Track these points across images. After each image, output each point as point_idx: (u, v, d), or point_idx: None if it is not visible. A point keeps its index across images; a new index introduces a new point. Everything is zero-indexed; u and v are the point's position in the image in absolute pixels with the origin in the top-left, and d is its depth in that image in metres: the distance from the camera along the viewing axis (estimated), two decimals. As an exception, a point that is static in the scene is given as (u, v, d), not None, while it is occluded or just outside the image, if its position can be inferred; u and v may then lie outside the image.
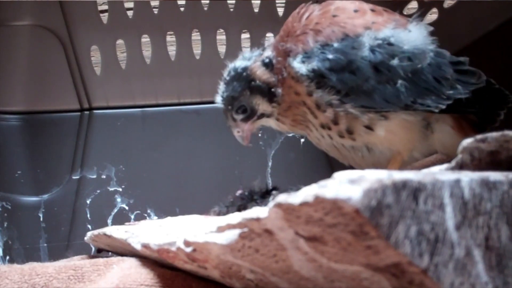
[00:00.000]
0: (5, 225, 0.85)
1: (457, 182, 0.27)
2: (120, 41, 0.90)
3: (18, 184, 0.88)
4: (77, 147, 0.92)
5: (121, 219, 0.88)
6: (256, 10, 0.91)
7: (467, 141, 0.33)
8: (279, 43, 0.61)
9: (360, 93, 0.56)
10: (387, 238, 0.24)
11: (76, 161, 0.91)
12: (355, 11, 0.59)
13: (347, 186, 0.24)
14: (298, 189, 0.27)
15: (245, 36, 0.93)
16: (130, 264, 0.48)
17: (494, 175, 0.29)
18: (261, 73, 0.61)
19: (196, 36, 0.92)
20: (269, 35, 0.91)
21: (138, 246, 0.48)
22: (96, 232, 0.61)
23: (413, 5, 0.85)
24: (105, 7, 0.91)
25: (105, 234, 0.57)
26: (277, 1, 0.92)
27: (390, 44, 0.55)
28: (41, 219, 0.87)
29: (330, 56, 0.56)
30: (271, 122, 0.65)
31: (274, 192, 0.68)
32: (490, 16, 0.71)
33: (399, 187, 0.25)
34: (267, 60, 0.61)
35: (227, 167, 0.94)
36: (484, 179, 0.28)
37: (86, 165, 0.91)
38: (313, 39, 0.57)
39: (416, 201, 0.25)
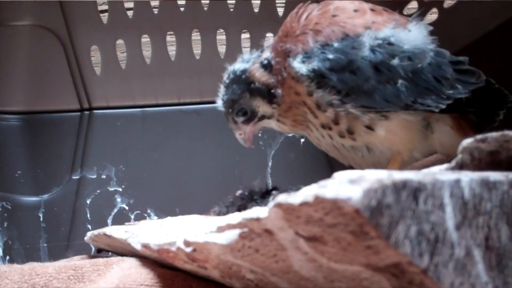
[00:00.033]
0: (5, 225, 0.85)
1: (457, 182, 0.27)
2: (120, 41, 0.90)
3: (18, 184, 0.88)
4: (77, 147, 0.92)
5: (121, 219, 0.88)
6: (256, 10, 0.91)
7: (467, 141, 0.33)
8: (278, 44, 0.61)
9: (360, 93, 0.56)
10: (387, 238, 0.24)
11: (76, 161, 0.91)
12: (355, 10, 0.58)
13: (347, 186, 0.24)
14: (298, 189, 0.27)
15: (245, 36, 0.93)
16: (130, 264, 0.48)
17: (494, 175, 0.29)
18: (260, 75, 0.61)
19: (196, 36, 0.92)
20: (269, 35, 0.91)
21: (138, 246, 0.48)
22: (96, 232, 0.61)
23: (413, 5, 0.85)
24: (105, 7, 0.91)
25: (105, 234, 0.57)
26: (277, 1, 0.92)
27: (390, 43, 0.55)
28: (41, 219, 0.87)
29: (331, 56, 0.56)
30: (272, 124, 0.65)
31: (274, 192, 0.68)
32: (490, 16, 0.71)
33: (399, 187, 0.25)
34: (265, 62, 0.61)
35: (227, 167, 0.94)
36: (484, 179, 0.28)
37: (86, 165, 0.91)
38: (313, 39, 0.57)
39: (416, 201, 0.25)
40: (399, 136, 0.58)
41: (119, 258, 0.52)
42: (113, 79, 0.92)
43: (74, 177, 0.90)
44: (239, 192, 0.69)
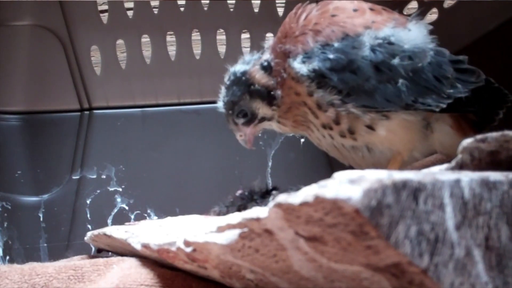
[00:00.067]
0: (5, 225, 0.85)
1: (457, 182, 0.27)
2: (120, 41, 0.90)
3: (18, 184, 0.88)
4: (77, 147, 0.92)
5: (121, 219, 0.88)
6: (256, 10, 0.91)
7: (467, 141, 0.33)
8: (277, 45, 0.61)
9: (361, 92, 0.55)
10: (387, 238, 0.24)
11: (76, 161, 0.91)
12: (355, 10, 0.58)
13: (347, 186, 0.24)
14: (298, 189, 0.27)
15: (245, 36, 0.93)
16: (130, 264, 0.48)
17: (494, 175, 0.29)
18: (260, 77, 0.62)
19: (196, 36, 0.92)
20: (269, 35, 0.91)
21: (138, 246, 0.48)
22: (96, 232, 0.61)
23: (413, 5, 0.85)
24: (105, 7, 0.91)
25: (105, 234, 0.57)
26: (277, 1, 0.92)
27: (390, 43, 0.55)
28: (41, 219, 0.87)
29: (331, 56, 0.55)
30: (273, 125, 0.65)
31: (274, 192, 0.68)
32: (490, 16, 0.71)
33: (399, 187, 0.25)
34: (265, 64, 0.62)
35: (227, 167, 0.94)
36: (484, 179, 0.28)
37: (86, 165, 0.91)
38: (313, 39, 0.57)
39: (416, 201, 0.25)
40: (399, 136, 0.58)
41: (119, 258, 0.52)
42: (113, 79, 0.92)
43: (74, 177, 0.90)
44: (239, 192, 0.69)
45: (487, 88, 0.58)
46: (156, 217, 0.90)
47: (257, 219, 0.30)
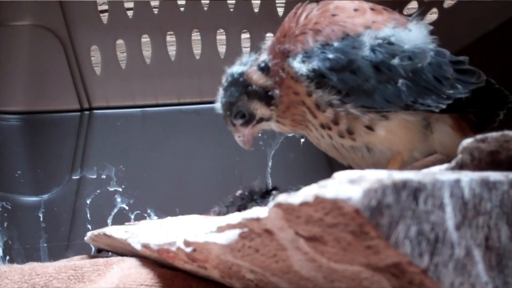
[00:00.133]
0: (5, 225, 0.85)
1: (457, 182, 0.27)
2: (120, 41, 0.90)
3: (18, 184, 0.88)
4: (77, 147, 0.92)
5: (121, 219, 0.88)
6: (256, 10, 0.91)
7: (467, 141, 0.32)
8: (275, 46, 0.61)
9: (360, 93, 0.55)
10: (387, 238, 0.24)
11: (76, 161, 0.91)
12: (355, 10, 0.58)
13: (347, 186, 0.24)
14: (298, 189, 0.27)
15: (245, 36, 0.93)
16: (130, 264, 0.48)
17: (494, 175, 0.29)
18: (258, 78, 0.62)
19: (196, 36, 0.92)
20: (269, 35, 0.91)
21: (138, 246, 0.48)
22: (96, 232, 0.61)
23: (413, 5, 0.85)
24: (105, 7, 0.91)
25: (105, 234, 0.57)
26: (277, 1, 0.92)
27: (390, 43, 0.55)
28: (41, 219, 0.87)
29: (331, 56, 0.55)
30: (272, 125, 0.65)
31: (274, 192, 0.68)
32: (490, 16, 0.71)
33: (399, 187, 0.25)
34: (262, 65, 0.62)
35: (227, 167, 0.94)
36: (484, 179, 0.28)
37: (86, 165, 0.91)
38: (313, 38, 0.57)
39: (416, 201, 0.25)
40: (399, 136, 0.58)
41: (119, 258, 0.52)
42: (113, 79, 0.92)
43: (74, 177, 0.90)
44: (239, 192, 0.69)
45: (488, 89, 0.57)
46: (156, 217, 0.90)
47: (257, 219, 0.30)
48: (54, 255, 0.79)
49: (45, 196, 0.89)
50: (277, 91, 0.61)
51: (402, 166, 0.60)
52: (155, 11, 0.89)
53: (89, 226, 0.88)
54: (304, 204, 0.26)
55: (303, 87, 0.58)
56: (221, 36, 0.92)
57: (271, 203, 0.28)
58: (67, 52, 0.89)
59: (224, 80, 0.64)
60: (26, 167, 0.89)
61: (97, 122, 0.93)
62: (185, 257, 0.40)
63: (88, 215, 0.89)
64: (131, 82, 0.92)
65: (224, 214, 0.65)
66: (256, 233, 0.31)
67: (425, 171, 0.32)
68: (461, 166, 0.33)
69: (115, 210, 0.90)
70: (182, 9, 0.90)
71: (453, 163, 0.33)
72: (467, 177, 0.28)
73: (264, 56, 0.63)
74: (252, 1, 0.91)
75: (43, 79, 0.90)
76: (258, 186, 0.69)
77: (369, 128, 0.57)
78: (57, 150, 0.91)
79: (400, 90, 0.55)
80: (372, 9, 0.59)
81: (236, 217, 0.32)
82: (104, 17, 0.88)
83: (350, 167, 0.64)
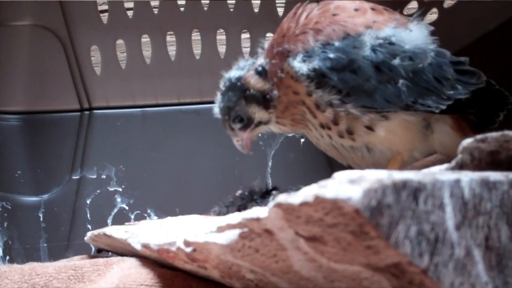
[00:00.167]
0: (5, 225, 0.85)
1: (457, 182, 0.27)
2: (120, 41, 0.90)
3: (18, 184, 0.88)
4: (77, 147, 0.92)
5: (121, 219, 0.88)
6: (256, 10, 0.91)
7: (467, 141, 0.32)
8: (273, 47, 0.61)
9: (361, 93, 0.55)
10: (387, 238, 0.24)
11: (76, 161, 0.91)
12: (356, 10, 0.58)
13: (347, 186, 0.24)
14: (298, 189, 0.27)
15: (245, 36, 0.93)
16: (130, 264, 0.48)
17: (494, 175, 0.29)
18: (255, 82, 0.62)
19: (196, 36, 0.92)
20: (269, 35, 0.91)
21: (138, 246, 0.48)
22: (96, 232, 0.61)
23: (413, 5, 0.85)
24: (105, 7, 0.91)
25: (105, 234, 0.57)
26: (277, 1, 0.92)
27: (391, 43, 0.55)
28: (41, 219, 0.87)
29: (331, 55, 0.55)
30: (271, 128, 0.65)
31: (274, 192, 0.68)
32: (490, 16, 0.71)
33: (399, 187, 0.25)
34: (260, 69, 0.62)
35: (227, 167, 0.94)
36: (484, 179, 0.28)
37: (86, 165, 0.91)
38: (314, 38, 0.57)
39: (416, 201, 0.25)
40: (399, 136, 0.58)
41: (119, 258, 0.52)
42: (113, 79, 0.92)
43: (74, 177, 0.90)
44: (239, 192, 0.69)
45: (488, 90, 0.57)
46: (156, 217, 0.90)
47: (257, 219, 0.30)
48: (54, 255, 0.79)
49: (45, 196, 0.89)
50: (275, 92, 0.61)
51: (402, 166, 0.60)
52: (155, 11, 0.89)
53: (89, 226, 0.88)
54: (304, 204, 0.26)
55: (303, 87, 0.58)
56: (221, 36, 0.92)
57: (271, 203, 0.28)
58: (67, 52, 0.89)
59: (222, 85, 0.64)
60: (26, 167, 0.89)
61: (97, 122, 0.93)
62: (185, 257, 0.40)
63: (88, 215, 0.89)
64: (131, 82, 0.92)
65: (224, 214, 0.65)
66: (256, 233, 0.31)
67: (425, 171, 0.32)
68: (461, 166, 0.33)
69: (115, 210, 0.90)
70: (182, 9, 0.90)
71: (453, 163, 0.33)
72: (467, 177, 0.28)
73: (261, 60, 0.63)
74: (252, 1, 0.91)
75: (43, 79, 0.90)
76: (258, 186, 0.69)
77: (369, 128, 0.57)
78: (57, 150, 0.91)
79: (401, 90, 0.55)
80: (372, 9, 0.59)
81: (236, 217, 0.32)
82: (104, 17, 0.88)
83: (350, 167, 0.64)
